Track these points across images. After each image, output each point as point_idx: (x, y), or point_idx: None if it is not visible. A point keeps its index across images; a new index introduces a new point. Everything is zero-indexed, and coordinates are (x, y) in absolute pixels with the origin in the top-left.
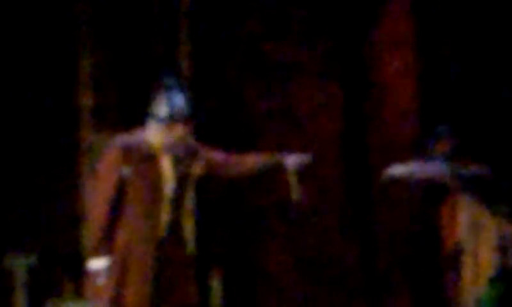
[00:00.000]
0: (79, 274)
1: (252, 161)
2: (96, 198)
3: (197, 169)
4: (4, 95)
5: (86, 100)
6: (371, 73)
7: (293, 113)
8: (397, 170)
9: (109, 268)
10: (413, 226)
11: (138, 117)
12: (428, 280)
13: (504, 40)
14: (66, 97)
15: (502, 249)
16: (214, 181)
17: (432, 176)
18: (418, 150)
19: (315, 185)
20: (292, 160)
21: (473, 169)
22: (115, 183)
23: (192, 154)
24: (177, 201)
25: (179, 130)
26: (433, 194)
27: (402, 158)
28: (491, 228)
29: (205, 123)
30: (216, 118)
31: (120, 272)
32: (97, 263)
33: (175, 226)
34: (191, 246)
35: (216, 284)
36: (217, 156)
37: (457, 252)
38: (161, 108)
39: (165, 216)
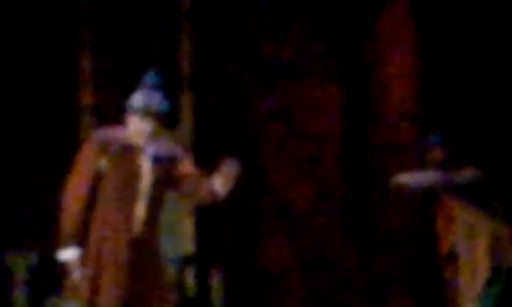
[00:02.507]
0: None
1: (206, 191)
2: (71, 190)
3: (175, 173)
4: (5, 95)
5: (86, 100)
6: (371, 73)
7: (293, 113)
8: (403, 179)
9: (84, 262)
10: (412, 227)
11: None
12: (428, 281)
13: (503, 40)
14: (67, 97)
15: (498, 250)
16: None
17: (425, 185)
18: (416, 154)
19: (315, 185)
20: (220, 185)
21: (467, 174)
22: (90, 176)
23: (173, 157)
24: (154, 199)
25: (151, 125)
26: (429, 200)
27: (401, 159)
28: (486, 230)
29: (205, 123)
30: (215, 118)
31: (94, 267)
32: (67, 254)
33: (151, 224)
34: (189, 244)
35: (216, 283)
36: (190, 171)
37: (453, 256)
38: (136, 102)
39: (140, 213)
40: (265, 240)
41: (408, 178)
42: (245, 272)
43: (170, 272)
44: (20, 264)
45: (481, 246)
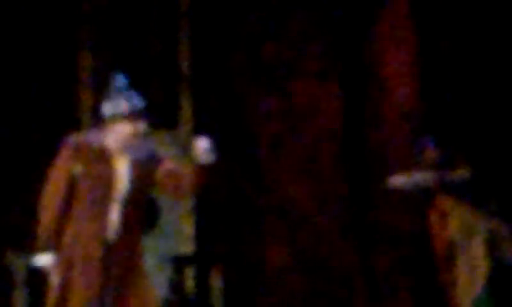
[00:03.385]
0: None
1: (187, 178)
2: (47, 195)
3: (157, 175)
4: (4, 94)
5: (86, 99)
6: (371, 73)
7: (293, 113)
8: (399, 180)
9: (56, 267)
10: (412, 227)
11: None
12: (428, 281)
13: (503, 39)
14: (66, 96)
15: (495, 247)
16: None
17: (420, 186)
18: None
19: (315, 184)
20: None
21: (461, 173)
22: (66, 181)
23: (152, 159)
24: (130, 204)
25: (132, 128)
26: (424, 200)
27: (401, 159)
28: (482, 228)
29: (205, 123)
30: (215, 118)
31: (65, 271)
32: (43, 260)
33: (129, 228)
34: (186, 244)
35: (216, 283)
36: (170, 169)
37: (450, 256)
38: (118, 106)
39: (114, 217)
40: (265, 240)
41: (403, 179)
42: (245, 272)
43: (170, 271)
44: (20, 264)
45: (479, 245)
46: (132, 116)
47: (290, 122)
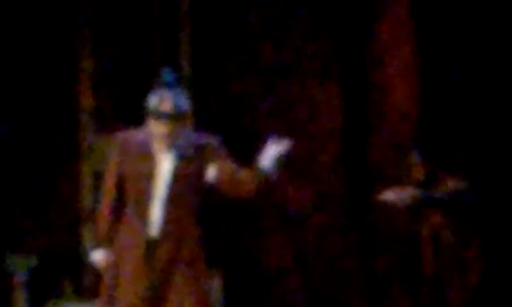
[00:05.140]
0: (79, 274)
1: (248, 184)
2: (103, 193)
3: (203, 170)
4: (5, 95)
5: (86, 101)
6: (371, 73)
7: (293, 113)
8: (388, 196)
9: (107, 263)
10: (412, 227)
11: (138, 118)
12: (427, 281)
13: (504, 39)
14: (66, 98)
15: (487, 252)
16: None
17: (408, 202)
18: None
19: (315, 185)
20: (268, 161)
21: (450, 188)
22: (116, 178)
23: (200, 154)
24: (175, 200)
25: (179, 126)
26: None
27: (401, 159)
28: (475, 237)
29: (205, 123)
30: (215, 118)
31: (114, 270)
32: (96, 256)
33: (173, 226)
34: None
35: (216, 283)
36: (227, 166)
37: (442, 264)
38: (162, 104)
39: (156, 214)
40: (265, 240)
41: (392, 195)
42: (245, 272)
43: None
44: (20, 265)
45: (472, 251)
46: (176, 114)
47: (290, 122)
